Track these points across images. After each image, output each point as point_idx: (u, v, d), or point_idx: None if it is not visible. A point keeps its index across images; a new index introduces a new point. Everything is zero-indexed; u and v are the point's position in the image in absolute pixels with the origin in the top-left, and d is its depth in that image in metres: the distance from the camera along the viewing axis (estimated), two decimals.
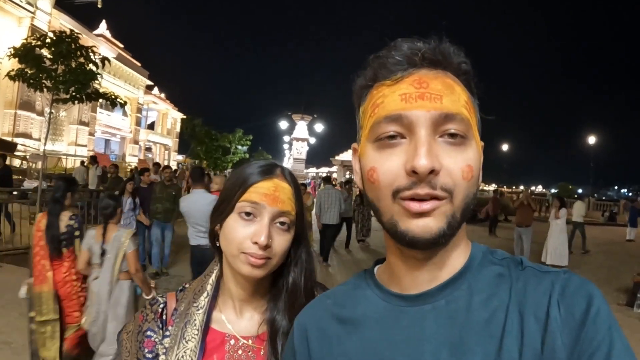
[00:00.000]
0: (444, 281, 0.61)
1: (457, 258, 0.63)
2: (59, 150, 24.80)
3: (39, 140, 21.51)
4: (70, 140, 27.08)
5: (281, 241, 0.89)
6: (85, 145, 27.99)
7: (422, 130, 0.55)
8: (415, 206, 0.55)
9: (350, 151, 0.75)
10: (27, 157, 18.65)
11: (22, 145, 20.11)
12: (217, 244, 0.94)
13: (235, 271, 0.90)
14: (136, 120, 37.58)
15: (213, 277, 0.98)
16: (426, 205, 0.55)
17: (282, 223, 0.89)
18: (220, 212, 0.92)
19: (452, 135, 0.56)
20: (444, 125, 0.56)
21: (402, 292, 0.64)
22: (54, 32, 8.03)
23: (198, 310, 0.92)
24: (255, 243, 0.84)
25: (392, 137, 0.58)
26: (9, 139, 19.57)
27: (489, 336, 0.55)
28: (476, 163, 0.58)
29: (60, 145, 25.90)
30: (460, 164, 0.56)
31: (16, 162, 18.15)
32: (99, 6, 27.11)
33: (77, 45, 7.92)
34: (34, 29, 20.01)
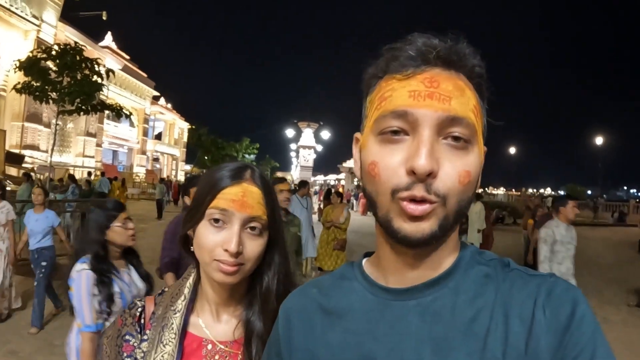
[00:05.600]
0: (431, 278, 0.61)
1: (446, 257, 0.63)
2: (66, 162, 25.03)
3: (46, 152, 21.70)
4: (77, 151, 27.34)
5: (253, 246, 0.88)
6: (93, 157, 28.25)
7: (426, 130, 0.55)
8: (413, 209, 0.54)
9: None
10: (35, 168, 18.82)
11: (29, 157, 20.32)
12: (191, 249, 0.94)
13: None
14: (143, 130, 37.90)
15: (190, 280, 0.97)
16: (422, 207, 0.54)
17: (252, 228, 0.88)
18: (191, 217, 0.91)
19: (456, 139, 0.56)
20: (450, 127, 0.55)
21: (389, 286, 0.64)
22: (58, 44, 8.11)
23: (175, 313, 0.92)
24: (226, 250, 0.84)
25: (395, 132, 0.57)
26: (16, 151, 19.78)
27: (473, 335, 0.55)
28: (475, 169, 0.58)
29: (67, 157, 26.17)
30: (458, 168, 0.55)
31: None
32: (104, 18, 27.44)
33: (82, 57, 8.03)
34: (39, 42, 20.29)
